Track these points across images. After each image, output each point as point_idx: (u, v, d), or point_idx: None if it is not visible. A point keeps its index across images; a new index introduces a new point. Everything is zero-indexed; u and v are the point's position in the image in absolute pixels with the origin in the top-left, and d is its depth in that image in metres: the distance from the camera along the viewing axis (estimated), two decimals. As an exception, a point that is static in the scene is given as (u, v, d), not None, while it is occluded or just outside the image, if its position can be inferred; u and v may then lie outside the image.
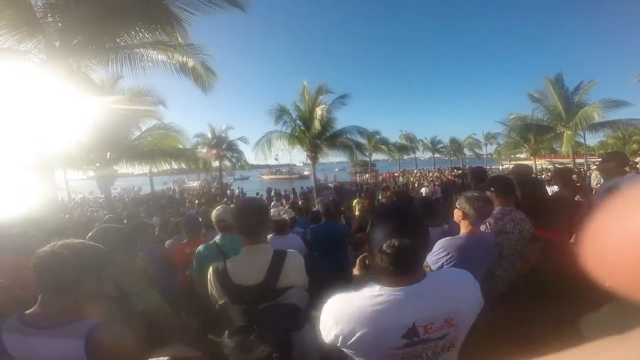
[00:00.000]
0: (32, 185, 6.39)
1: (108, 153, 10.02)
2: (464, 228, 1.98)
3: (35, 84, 5.96)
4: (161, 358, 0.92)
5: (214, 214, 2.56)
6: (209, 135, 21.48)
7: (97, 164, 9.94)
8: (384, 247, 0.98)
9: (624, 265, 0.21)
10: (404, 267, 1.02)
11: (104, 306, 1.35)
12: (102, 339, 1.04)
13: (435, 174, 29.12)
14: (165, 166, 11.66)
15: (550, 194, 3.61)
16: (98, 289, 1.21)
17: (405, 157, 39.05)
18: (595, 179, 11.13)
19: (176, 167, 12.46)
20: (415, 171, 34.91)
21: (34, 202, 6.44)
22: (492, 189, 2.38)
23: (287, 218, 3.36)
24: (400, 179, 27.91)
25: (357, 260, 1.45)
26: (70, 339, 1.02)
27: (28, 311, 1.09)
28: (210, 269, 1.57)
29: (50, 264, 1.09)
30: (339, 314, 1.04)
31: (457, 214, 2.01)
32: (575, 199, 4.12)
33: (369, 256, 1.14)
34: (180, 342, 1.43)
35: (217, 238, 2.40)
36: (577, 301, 1.90)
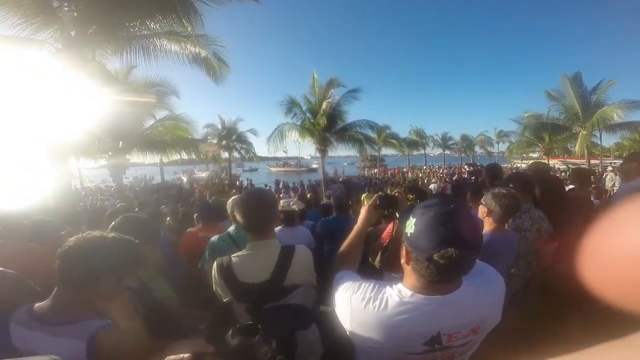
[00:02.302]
0: (48, 173, 6.50)
1: (120, 142, 10.15)
2: (488, 225, 1.93)
3: (50, 73, 6.03)
4: (181, 355, 0.89)
5: (229, 203, 2.55)
6: (219, 127, 21.60)
7: (110, 153, 10.09)
8: (436, 256, 0.84)
9: (622, 274, 0.22)
10: (451, 279, 0.93)
11: (125, 298, 1.32)
12: (105, 343, 0.99)
13: (445, 171, 28.82)
14: (176, 156, 11.79)
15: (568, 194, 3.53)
16: (120, 286, 1.16)
17: (415, 152, 38.66)
18: (610, 180, 10.96)
19: (186, 157, 12.57)
20: (424, 167, 34.60)
21: (49, 190, 6.55)
22: (511, 186, 2.33)
23: (296, 209, 3.33)
24: (410, 174, 27.72)
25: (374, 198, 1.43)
26: (72, 338, 0.98)
27: (39, 304, 1.05)
28: (215, 264, 1.50)
29: (72, 256, 1.04)
30: (358, 316, 0.97)
31: (481, 211, 1.97)
32: (591, 200, 4.03)
33: (396, 251, 1.02)
34: (196, 334, 1.41)
35: (231, 229, 2.37)
36: (584, 305, 1.86)
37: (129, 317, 1.26)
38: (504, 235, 1.96)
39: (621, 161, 3.68)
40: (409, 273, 0.96)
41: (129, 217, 1.71)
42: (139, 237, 1.49)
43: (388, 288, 0.98)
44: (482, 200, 1.97)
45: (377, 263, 2.11)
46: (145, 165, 20.99)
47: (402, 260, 0.98)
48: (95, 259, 1.05)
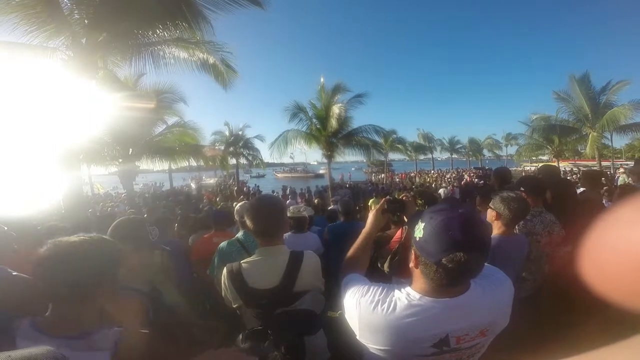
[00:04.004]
0: (59, 179, 6.61)
1: (130, 149, 10.29)
2: (497, 229, 1.92)
3: (62, 79, 6.16)
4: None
5: (237, 209, 2.56)
6: (227, 133, 21.80)
7: (120, 160, 10.22)
8: (445, 260, 0.85)
9: (622, 274, 0.22)
10: (460, 282, 0.94)
11: (137, 302, 1.32)
12: (125, 351, 0.97)
13: (453, 175, 28.59)
14: (184, 163, 11.91)
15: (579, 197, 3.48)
16: (115, 287, 1.10)
17: (422, 157, 38.45)
18: (622, 182, 10.75)
19: (194, 164, 12.69)
20: (432, 172, 34.37)
21: (60, 196, 6.66)
22: (522, 189, 2.31)
23: (306, 215, 3.34)
24: (417, 179, 27.55)
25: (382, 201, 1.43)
26: (95, 351, 0.94)
27: (41, 318, 0.97)
28: (224, 270, 1.51)
29: (61, 269, 0.92)
30: (367, 319, 0.97)
31: (490, 214, 1.95)
32: (603, 202, 3.96)
33: (406, 257, 1.02)
34: (209, 344, 1.41)
35: (240, 234, 2.38)
36: (596, 309, 1.82)
37: (139, 320, 1.27)
38: (512, 239, 1.95)
39: (632, 162, 3.62)
40: (418, 276, 0.97)
41: (118, 220, 1.70)
42: (130, 237, 1.47)
43: (396, 291, 0.99)
44: (490, 204, 1.96)
45: (386, 268, 2.10)
46: (154, 172, 21.27)
47: (411, 264, 0.98)
48: (87, 267, 0.96)
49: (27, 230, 2.31)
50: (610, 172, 16.50)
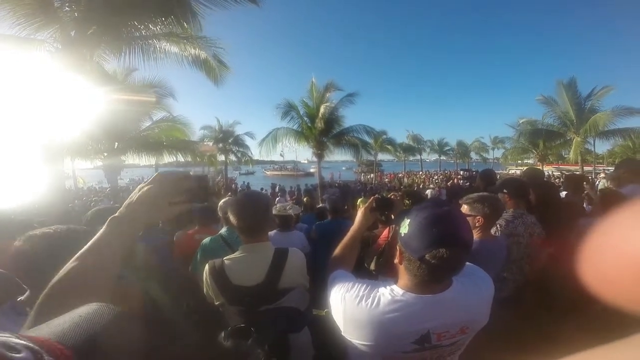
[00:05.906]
0: (41, 172, 6.43)
1: (116, 143, 10.09)
2: (475, 234, 1.90)
3: (49, 72, 6.00)
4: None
5: (221, 204, 2.53)
6: (216, 129, 21.57)
7: (105, 154, 10.01)
8: (428, 256, 0.87)
9: (622, 278, 0.22)
10: (443, 279, 0.95)
11: (136, 288, 1.25)
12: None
13: (441, 177, 28.96)
14: (172, 158, 11.74)
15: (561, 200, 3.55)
16: None
17: (411, 158, 38.82)
18: (603, 187, 11.04)
19: (182, 160, 12.53)
20: (420, 173, 34.74)
21: (42, 190, 6.48)
22: (505, 191, 2.34)
23: (292, 214, 3.33)
24: (406, 180, 27.81)
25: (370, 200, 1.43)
26: None
27: (21, 300, 0.98)
28: (207, 267, 1.48)
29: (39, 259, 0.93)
30: (351, 314, 0.98)
31: (472, 220, 1.92)
32: (584, 206, 4.05)
33: (392, 256, 1.03)
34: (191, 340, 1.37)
35: (223, 230, 2.35)
36: (578, 308, 1.86)
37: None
38: (492, 242, 1.94)
39: (613, 168, 3.71)
40: (402, 272, 0.99)
41: (96, 209, 1.69)
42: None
43: (381, 287, 1.00)
44: (471, 211, 1.91)
45: (372, 267, 2.10)
46: (140, 167, 20.92)
47: (396, 260, 1.00)
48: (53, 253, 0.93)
49: (3, 223, 2.23)
50: (591, 177, 16.95)
